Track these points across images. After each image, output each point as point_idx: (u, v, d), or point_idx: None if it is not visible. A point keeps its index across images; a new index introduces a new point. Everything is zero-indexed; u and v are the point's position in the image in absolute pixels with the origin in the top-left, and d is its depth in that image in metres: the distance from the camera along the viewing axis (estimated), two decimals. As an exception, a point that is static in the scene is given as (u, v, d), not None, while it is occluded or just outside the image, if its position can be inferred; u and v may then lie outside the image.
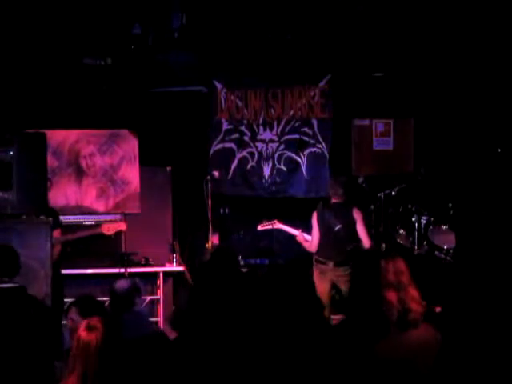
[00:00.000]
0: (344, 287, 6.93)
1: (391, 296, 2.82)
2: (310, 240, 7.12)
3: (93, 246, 7.70)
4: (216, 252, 5.31)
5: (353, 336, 2.84)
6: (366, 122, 9.00)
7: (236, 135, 8.78)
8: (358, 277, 2.86)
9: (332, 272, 6.89)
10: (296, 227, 7.50)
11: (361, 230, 6.95)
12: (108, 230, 7.22)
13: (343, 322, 3.01)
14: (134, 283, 4.87)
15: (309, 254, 7.29)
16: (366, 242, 6.94)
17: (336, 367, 2.73)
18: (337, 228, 6.90)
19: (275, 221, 7.67)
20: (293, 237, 7.46)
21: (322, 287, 6.87)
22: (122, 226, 7.36)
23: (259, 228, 7.80)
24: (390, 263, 2.89)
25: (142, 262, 7.94)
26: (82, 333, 3.46)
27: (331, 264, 6.88)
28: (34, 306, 4.55)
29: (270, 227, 7.70)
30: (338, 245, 6.89)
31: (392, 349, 2.83)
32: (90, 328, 3.47)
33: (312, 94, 8.70)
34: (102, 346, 3.43)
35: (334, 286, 7.06)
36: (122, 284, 4.89)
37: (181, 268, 7.98)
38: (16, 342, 4.27)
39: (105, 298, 7.00)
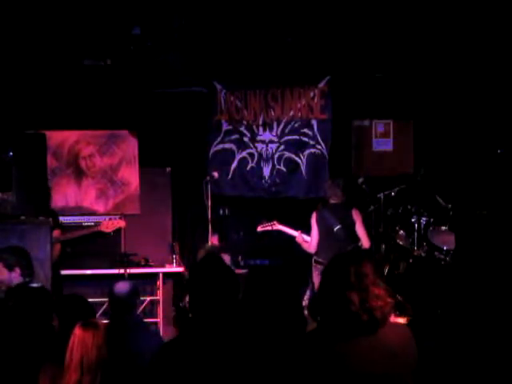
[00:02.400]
0: None
1: (353, 297, 2.85)
2: (309, 240, 7.12)
3: (92, 246, 7.70)
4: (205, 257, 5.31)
5: (325, 339, 2.85)
6: (366, 123, 9.00)
7: (236, 136, 8.79)
8: (326, 280, 2.87)
9: None
10: (296, 228, 7.50)
11: (360, 230, 6.96)
12: (107, 227, 7.24)
13: (318, 326, 3.00)
14: (134, 286, 4.87)
15: (308, 255, 7.30)
16: (365, 242, 6.95)
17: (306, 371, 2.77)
18: (336, 228, 6.89)
19: (274, 222, 7.69)
20: (293, 237, 7.46)
21: None
22: (121, 223, 7.37)
23: (259, 229, 7.82)
24: (352, 266, 2.92)
25: (142, 263, 7.94)
26: (78, 331, 3.58)
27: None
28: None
29: (269, 228, 7.73)
30: (337, 245, 6.88)
31: (363, 348, 2.84)
32: (85, 326, 3.57)
33: (312, 94, 8.70)
34: (99, 343, 3.51)
35: None
36: (122, 287, 4.88)
37: (180, 269, 7.98)
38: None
39: (104, 299, 7.04)
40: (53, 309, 4.27)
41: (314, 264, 7.07)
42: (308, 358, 2.79)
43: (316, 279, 6.95)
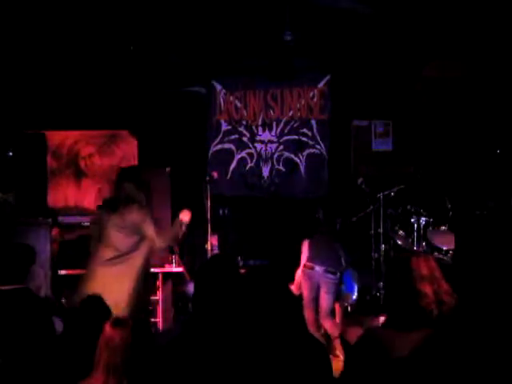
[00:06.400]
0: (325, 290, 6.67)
1: (426, 288, 2.86)
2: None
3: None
4: (214, 256, 5.33)
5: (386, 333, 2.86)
6: (365, 123, 9.01)
7: (235, 136, 8.79)
8: (392, 275, 2.88)
9: (319, 277, 6.68)
10: (294, 229, 7.40)
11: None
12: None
13: (387, 321, 3.00)
14: None
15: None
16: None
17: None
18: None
19: None
20: (292, 235, 7.23)
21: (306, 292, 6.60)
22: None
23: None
24: (422, 259, 2.94)
25: (142, 263, 7.92)
26: (108, 328, 3.49)
27: (319, 269, 6.66)
28: (39, 307, 4.51)
29: None
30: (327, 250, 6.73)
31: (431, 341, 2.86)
32: (115, 324, 3.49)
33: (311, 94, 8.70)
34: (127, 342, 3.43)
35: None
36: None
37: (180, 269, 7.96)
38: (20, 343, 4.26)
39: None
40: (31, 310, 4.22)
41: (302, 268, 6.80)
42: (364, 354, 2.80)
43: (304, 284, 6.61)
